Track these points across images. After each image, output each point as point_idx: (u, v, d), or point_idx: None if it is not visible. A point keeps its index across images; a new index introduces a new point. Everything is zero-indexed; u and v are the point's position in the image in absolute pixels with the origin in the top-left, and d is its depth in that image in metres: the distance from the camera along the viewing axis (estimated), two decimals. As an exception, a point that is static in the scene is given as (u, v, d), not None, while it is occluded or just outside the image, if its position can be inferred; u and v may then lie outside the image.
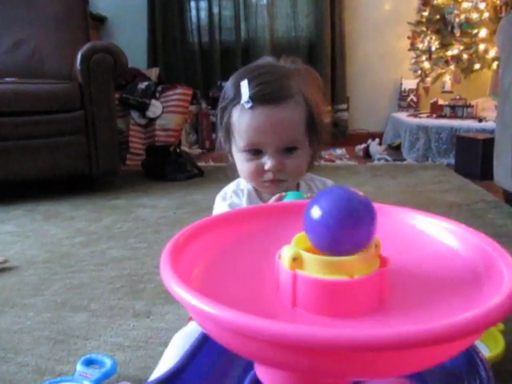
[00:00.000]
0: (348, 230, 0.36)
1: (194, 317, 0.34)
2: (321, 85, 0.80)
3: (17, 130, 1.97)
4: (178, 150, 2.51)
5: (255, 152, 0.72)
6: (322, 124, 0.77)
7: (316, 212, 0.36)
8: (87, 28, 2.57)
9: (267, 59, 0.81)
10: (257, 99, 0.70)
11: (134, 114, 2.78)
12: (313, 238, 0.37)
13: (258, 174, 0.72)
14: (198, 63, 3.32)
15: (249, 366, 0.41)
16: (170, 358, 0.68)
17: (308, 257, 0.36)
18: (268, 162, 0.71)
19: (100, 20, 3.26)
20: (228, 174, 0.84)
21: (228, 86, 0.76)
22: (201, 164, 2.45)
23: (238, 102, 0.72)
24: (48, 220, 1.76)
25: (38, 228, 1.67)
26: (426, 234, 0.46)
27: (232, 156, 0.78)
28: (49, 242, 1.52)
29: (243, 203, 0.78)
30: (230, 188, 0.83)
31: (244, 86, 0.70)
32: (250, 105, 0.70)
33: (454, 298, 0.38)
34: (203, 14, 3.33)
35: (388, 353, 0.31)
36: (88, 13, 2.66)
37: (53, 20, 2.46)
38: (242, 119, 0.71)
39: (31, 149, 2.00)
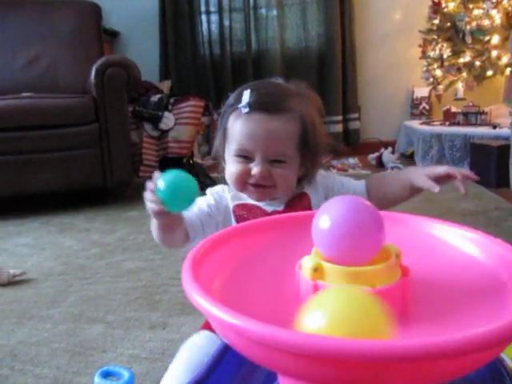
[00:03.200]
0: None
1: (216, 328, 0.34)
2: (322, 112, 0.81)
3: (33, 143, 2.00)
4: (191, 162, 2.53)
5: (245, 158, 0.74)
6: (317, 146, 0.77)
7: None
8: (101, 43, 2.62)
9: (277, 79, 0.83)
10: (254, 106, 0.72)
11: (147, 127, 2.81)
12: (321, 248, 0.37)
13: (244, 176, 0.74)
14: (209, 75, 3.35)
15: (270, 378, 0.41)
16: (177, 370, 0.68)
17: (329, 267, 0.36)
18: (255, 168, 0.72)
19: (113, 35, 3.31)
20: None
21: (232, 95, 0.79)
22: (213, 175, 2.46)
23: (236, 108, 0.74)
24: (63, 232, 1.78)
25: (54, 240, 1.69)
26: (447, 243, 0.46)
27: (225, 161, 0.80)
28: (64, 254, 1.54)
29: (226, 195, 0.79)
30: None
31: (246, 93, 0.74)
32: (246, 110, 0.72)
33: (477, 308, 0.37)
34: (214, 27, 3.37)
35: (412, 364, 0.30)
36: (101, 28, 2.71)
37: (67, 36, 2.51)
38: (237, 124, 0.74)
39: (46, 162, 2.02)
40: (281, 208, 0.76)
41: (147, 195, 0.62)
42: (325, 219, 0.37)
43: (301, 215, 0.53)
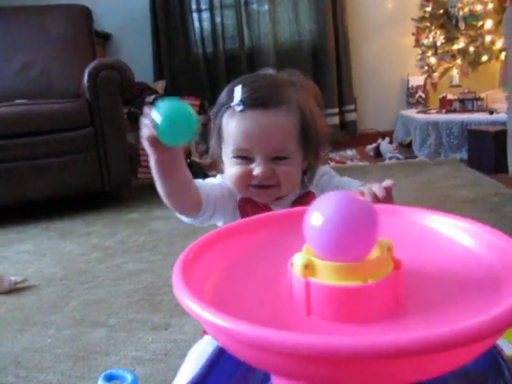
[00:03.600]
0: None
1: (208, 330, 0.34)
2: (320, 100, 0.77)
3: (29, 150, 2.00)
4: (189, 161, 2.52)
5: (244, 158, 0.70)
6: (318, 137, 0.73)
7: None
8: (93, 46, 2.61)
9: (267, 70, 0.80)
10: (248, 103, 0.68)
11: (144, 128, 2.80)
12: (314, 246, 0.37)
13: (245, 178, 0.70)
14: (203, 73, 3.34)
15: (266, 378, 0.41)
16: (186, 373, 0.68)
17: (320, 263, 0.36)
18: (256, 169, 0.68)
19: (105, 37, 3.30)
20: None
21: (223, 92, 0.75)
22: (211, 173, 2.46)
23: (230, 106, 0.70)
24: (63, 237, 1.78)
25: (54, 246, 1.69)
26: (440, 233, 0.45)
27: (223, 162, 0.76)
28: (65, 259, 1.54)
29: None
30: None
31: (237, 90, 0.69)
32: (240, 108, 0.68)
33: (471, 299, 0.37)
34: (206, 25, 3.36)
35: (408, 358, 0.30)
36: (93, 31, 2.70)
37: (59, 40, 2.50)
38: (231, 123, 0.70)
39: (43, 168, 2.02)
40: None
41: (144, 120, 0.57)
42: (316, 216, 0.36)
43: (293, 211, 0.52)
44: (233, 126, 0.69)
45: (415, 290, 0.38)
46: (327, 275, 0.36)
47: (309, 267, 0.36)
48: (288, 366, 0.30)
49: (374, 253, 0.37)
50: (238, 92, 0.69)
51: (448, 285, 0.38)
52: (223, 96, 0.74)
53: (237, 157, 0.70)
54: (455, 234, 0.45)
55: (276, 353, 0.29)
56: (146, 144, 0.59)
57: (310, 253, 0.38)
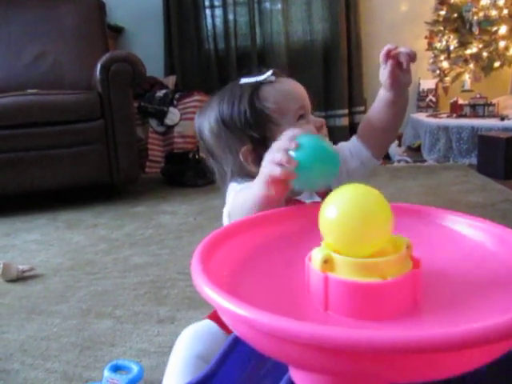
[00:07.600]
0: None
1: (226, 320, 0.34)
2: None
3: (39, 140, 2.01)
4: (197, 157, 2.53)
5: (302, 117, 0.73)
6: None
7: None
8: (105, 39, 2.62)
9: None
10: (277, 73, 0.74)
11: (153, 122, 2.81)
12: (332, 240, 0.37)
13: (315, 131, 0.73)
14: (214, 70, 3.34)
15: (281, 370, 0.40)
16: (177, 363, 0.66)
17: (339, 259, 0.36)
18: (316, 119, 0.73)
19: (117, 30, 3.31)
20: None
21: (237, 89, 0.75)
22: (219, 170, 2.46)
23: (259, 85, 0.72)
24: (71, 228, 1.79)
25: (62, 236, 1.70)
26: (459, 233, 0.45)
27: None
28: (72, 249, 1.55)
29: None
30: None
31: (262, 74, 0.74)
32: (274, 77, 0.72)
33: (490, 299, 0.37)
34: (218, 21, 3.36)
35: (424, 356, 0.30)
36: (106, 24, 2.70)
37: (72, 32, 2.51)
38: (279, 90, 0.72)
39: (53, 159, 2.03)
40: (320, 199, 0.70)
41: (282, 156, 0.48)
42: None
43: (313, 206, 0.52)
44: (282, 90, 0.72)
45: (434, 289, 0.38)
46: (346, 271, 0.36)
47: (328, 262, 0.36)
48: (306, 358, 0.30)
49: (393, 250, 0.37)
50: (261, 76, 0.74)
51: (468, 286, 0.38)
52: (238, 93, 0.74)
53: (299, 117, 0.72)
54: (477, 236, 0.44)
55: (295, 344, 0.29)
56: (275, 176, 0.50)
57: (329, 248, 0.38)
